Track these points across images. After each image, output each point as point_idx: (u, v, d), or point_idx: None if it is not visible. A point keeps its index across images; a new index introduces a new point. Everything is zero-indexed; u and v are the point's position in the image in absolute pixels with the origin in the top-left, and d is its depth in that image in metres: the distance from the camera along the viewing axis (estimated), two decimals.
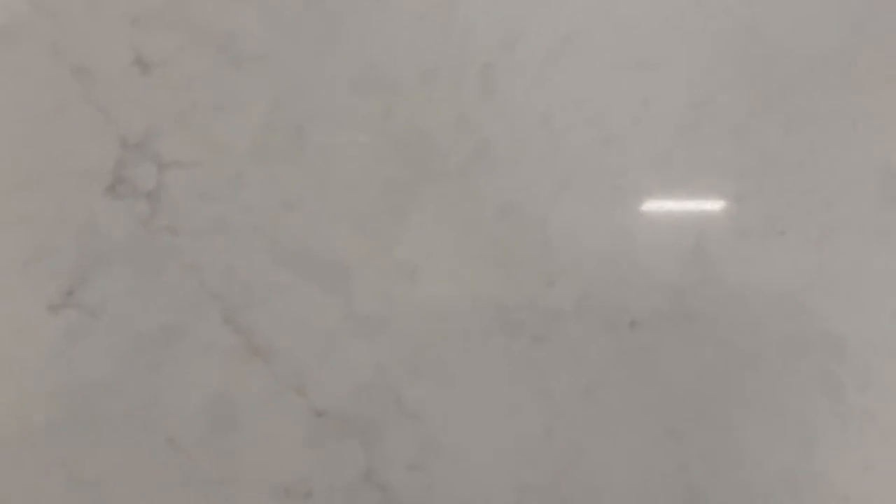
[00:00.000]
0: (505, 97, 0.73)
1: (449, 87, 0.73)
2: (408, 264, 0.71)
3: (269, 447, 0.70)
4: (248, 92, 0.72)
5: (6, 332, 0.69)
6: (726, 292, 0.72)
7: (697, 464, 0.70)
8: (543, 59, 0.74)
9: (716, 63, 0.75)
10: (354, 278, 0.71)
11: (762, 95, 0.74)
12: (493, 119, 0.73)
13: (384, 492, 0.70)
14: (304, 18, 0.74)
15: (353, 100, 0.73)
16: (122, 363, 0.70)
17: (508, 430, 0.70)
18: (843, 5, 0.76)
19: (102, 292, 0.69)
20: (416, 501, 0.70)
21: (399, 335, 0.71)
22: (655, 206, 0.72)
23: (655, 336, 0.71)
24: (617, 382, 0.71)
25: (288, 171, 0.72)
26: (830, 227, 0.73)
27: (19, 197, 0.70)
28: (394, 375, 0.70)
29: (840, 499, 0.70)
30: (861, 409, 0.70)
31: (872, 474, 0.70)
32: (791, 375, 0.71)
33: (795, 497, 0.70)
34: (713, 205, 0.72)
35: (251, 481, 0.70)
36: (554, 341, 0.71)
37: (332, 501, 0.70)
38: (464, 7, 0.74)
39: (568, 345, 0.71)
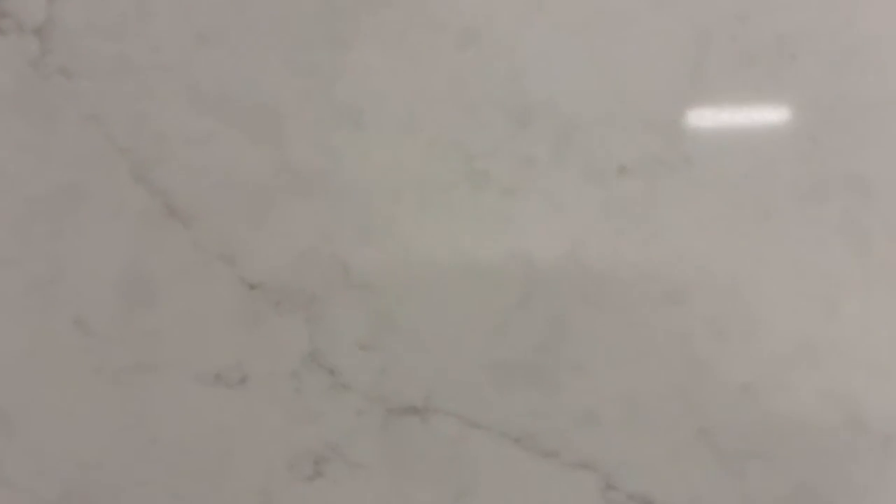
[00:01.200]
0: None
1: None
2: (351, 107, 0.60)
3: (193, 327, 0.60)
4: None
5: None
6: (730, 131, 0.61)
7: (702, 331, 0.60)
8: None
9: None
10: (288, 125, 0.60)
11: None
12: None
13: (332, 375, 0.60)
14: None
15: None
16: (17, 233, 0.59)
17: (477, 299, 0.60)
18: None
19: None
20: (370, 386, 0.60)
21: (343, 192, 0.60)
22: (645, 27, 0.60)
23: (648, 184, 0.60)
24: (603, 240, 0.60)
25: None
26: (849, 48, 0.61)
27: None
28: (339, 240, 0.60)
29: (868, 367, 0.60)
30: (891, 260, 0.60)
31: None
32: (808, 225, 0.60)
33: (815, 366, 0.60)
34: (713, 24, 0.61)
35: (174, 367, 0.60)
36: (528, 193, 0.60)
37: (272, 388, 0.60)
38: None
39: (544, 197, 0.60)
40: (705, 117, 0.61)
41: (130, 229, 0.59)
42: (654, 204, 0.60)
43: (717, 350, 0.60)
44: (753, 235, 0.60)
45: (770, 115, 0.61)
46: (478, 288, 0.60)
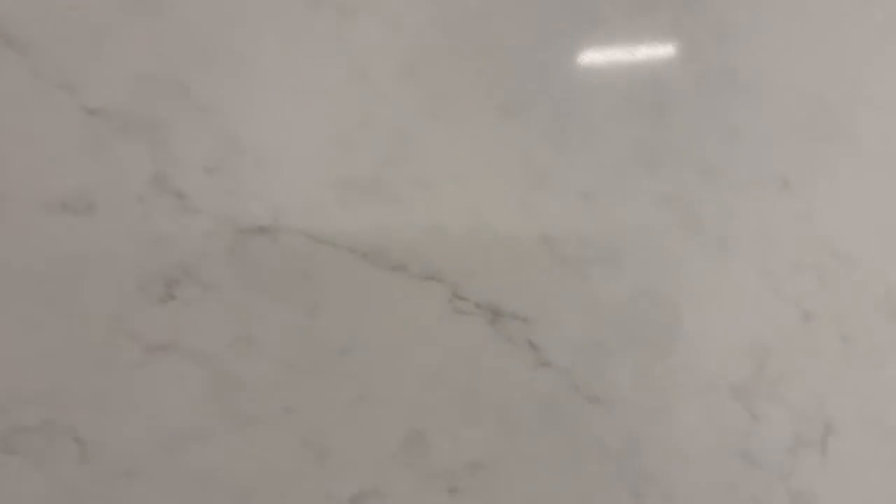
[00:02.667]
0: None
1: None
2: None
3: (36, 156, 0.60)
4: None
5: None
6: None
7: (541, 145, 0.61)
8: None
9: None
10: None
11: None
12: None
13: (179, 199, 0.60)
14: None
15: None
16: None
17: (318, 119, 0.61)
18: None
19: None
20: (217, 207, 0.60)
21: (183, 13, 0.60)
22: None
23: None
24: (440, 55, 0.61)
25: None
26: None
27: None
28: (179, 64, 0.60)
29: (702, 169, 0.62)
30: (719, 66, 0.62)
31: (737, 140, 0.62)
32: (639, 33, 0.62)
33: (652, 172, 0.62)
34: None
35: (19, 197, 0.59)
36: (365, 13, 0.60)
37: (120, 213, 0.60)
38: None
39: (381, 15, 0.60)
40: None
41: None
42: (489, 17, 0.61)
43: (556, 160, 0.62)
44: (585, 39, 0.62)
45: None
46: (320, 106, 0.61)
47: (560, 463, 0.62)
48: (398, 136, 0.61)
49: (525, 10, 0.62)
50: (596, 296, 0.62)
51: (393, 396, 0.61)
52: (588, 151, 0.62)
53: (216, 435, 0.59)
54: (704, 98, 0.62)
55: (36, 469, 0.56)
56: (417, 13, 0.61)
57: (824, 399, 0.64)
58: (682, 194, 0.62)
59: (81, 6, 0.60)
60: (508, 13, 0.62)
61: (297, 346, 0.61)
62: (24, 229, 0.60)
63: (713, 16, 0.62)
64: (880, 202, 0.64)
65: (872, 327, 0.65)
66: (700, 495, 0.63)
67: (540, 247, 0.62)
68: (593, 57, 0.62)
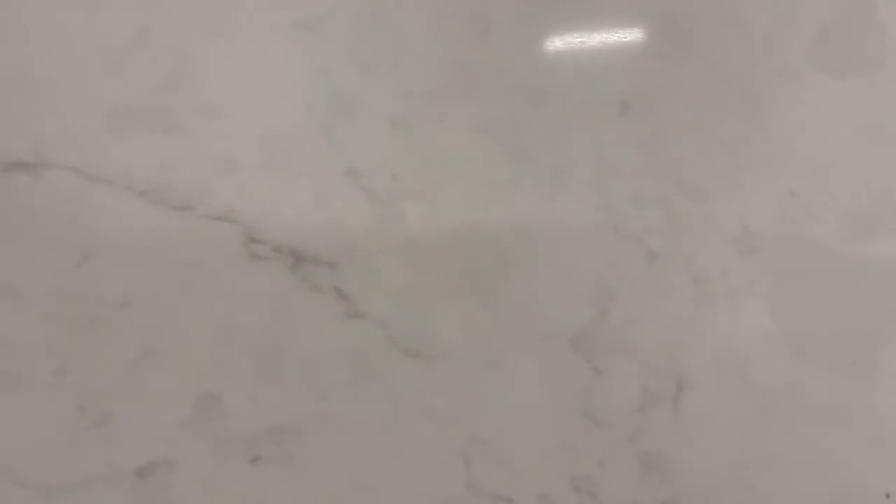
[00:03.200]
0: None
1: None
2: None
3: None
4: None
5: None
6: None
7: (345, 67, 0.54)
8: None
9: None
10: None
11: None
12: None
13: None
14: None
15: None
16: None
17: (85, 35, 0.53)
18: None
19: None
20: None
21: None
22: None
23: None
24: None
25: None
26: None
27: None
28: None
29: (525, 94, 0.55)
30: None
31: (569, 60, 0.55)
32: None
33: (474, 96, 0.55)
34: None
35: None
36: None
37: None
38: None
39: None
40: None
41: None
42: None
43: (362, 83, 0.55)
44: None
45: None
46: (87, 21, 0.53)
47: (377, 426, 0.55)
48: (179, 55, 0.53)
49: None
50: (412, 236, 0.55)
51: (182, 354, 0.54)
52: (399, 74, 0.55)
53: None
54: (532, 14, 0.55)
55: None
56: None
57: (676, 349, 0.58)
58: (507, 121, 0.55)
59: None
60: None
61: (68, 299, 0.53)
62: None
63: None
64: (733, 128, 0.58)
65: (727, 267, 0.58)
66: (538, 460, 0.56)
67: (346, 181, 0.55)
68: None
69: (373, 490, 0.54)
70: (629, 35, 0.57)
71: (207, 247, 0.54)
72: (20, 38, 0.53)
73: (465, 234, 0.55)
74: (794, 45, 0.58)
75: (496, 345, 0.56)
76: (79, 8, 0.53)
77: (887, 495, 0.58)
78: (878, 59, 0.59)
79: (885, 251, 0.59)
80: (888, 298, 0.59)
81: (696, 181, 0.57)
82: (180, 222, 0.54)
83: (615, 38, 0.56)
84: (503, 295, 0.56)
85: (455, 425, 0.56)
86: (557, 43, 0.56)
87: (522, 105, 0.56)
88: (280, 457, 0.54)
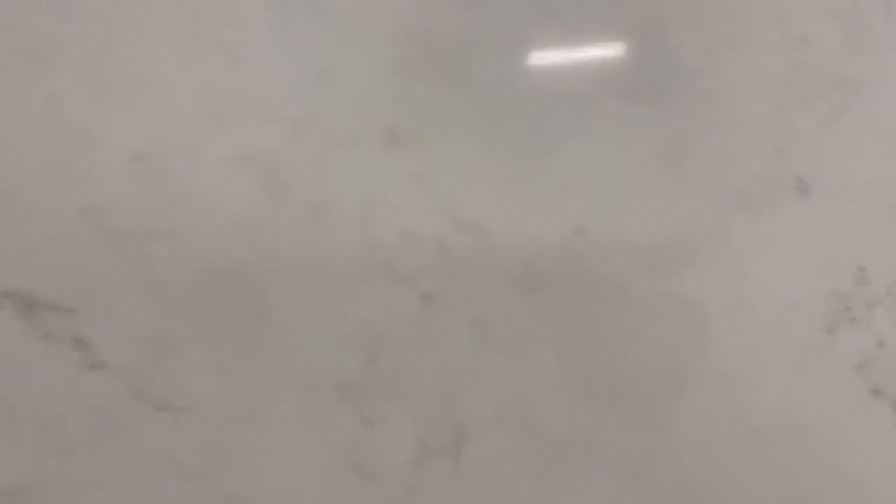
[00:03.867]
0: None
1: None
2: None
3: None
4: None
5: None
6: None
7: (79, 96, 0.49)
8: None
9: None
10: None
11: None
12: None
13: None
14: None
15: None
16: None
17: None
18: None
19: None
20: None
21: None
22: None
23: None
24: None
25: None
26: None
27: None
28: None
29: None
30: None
31: (329, 85, 0.51)
32: None
33: (221, 126, 0.51)
34: None
35: None
36: None
37: None
38: None
39: None
40: None
41: None
42: None
43: (96, 114, 0.50)
44: None
45: None
46: None
47: (124, 484, 0.50)
48: None
49: None
50: (158, 278, 0.51)
51: None
52: (139, 102, 0.50)
53: None
54: (285, 37, 0.51)
55: None
56: None
57: (454, 397, 0.54)
58: (263, 152, 0.51)
59: None
60: None
61: None
62: None
63: None
64: (514, 159, 0.54)
65: (509, 309, 0.54)
66: None
67: (83, 221, 0.50)
68: None
69: None
70: (394, 57, 0.53)
71: None
72: None
73: (217, 275, 0.51)
74: (579, 71, 0.54)
75: (254, 395, 0.52)
76: None
77: None
78: (668, 86, 0.55)
79: (680, 289, 0.55)
80: (685, 340, 0.55)
81: (473, 217, 0.53)
82: None
83: (375, 59, 0.52)
84: (261, 341, 0.52)
85: (209, 482, 0.51)
86: (315, 67, 0.52)
87: (279, 135, 0.51)
88: None
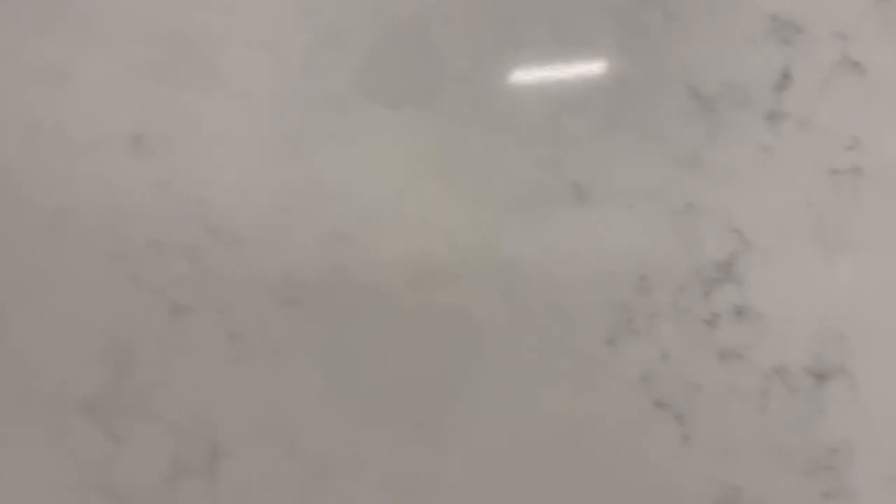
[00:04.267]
0: None
1: None
2: None
3: None
4: None
5: None
6: None
7: None
8: None
9: None
10: None
11: None
12: None
13: None
14: None
15: None
16: None
17: None
18: None
19: None
20: None
21: None
22: None
23: None
24: None
25: None
26: None
27: None
28: None
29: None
30: None
31: (69, 89, 0.49)
32: None
33: None
34: None
35: None
36: None
37: None
38: None
39: None
40: None
41: None
42: None
43: None
44: None
45: None
46: None
47: None
48: None
49: None
50: None
51: None
52: None
53: None
54: (22, 41, 0.49)
55: None
56: None
57: (210, 412, 0.51)
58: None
59: None
60: None
61: None
62: None
63: None
64: (271, 164, 0.52)
65: (266, 320, 0.52)
66: None
67: None
68: None
69: None
70: (136, 59, 0.50)
71: None
72: None
73: None
74: (339, 72, 0.53)
75: None
76: None
77: None
78: (435, 89, 0.54)
79: (451, 299, 0.53)
80: (457, 353, 0.53)
81: (227, 225, 0.51)
82: None
83: (119, 63, 0.50)
84: None
85: None
86: (53, 69, 0.49)
87: (13, 143, 0.49)
88: None
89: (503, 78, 0.55)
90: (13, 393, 0.49)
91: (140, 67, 0.51)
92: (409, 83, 0.53)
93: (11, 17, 0.49)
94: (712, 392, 0.53)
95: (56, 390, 0.50)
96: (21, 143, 0.49)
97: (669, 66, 0.56)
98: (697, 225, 0.55)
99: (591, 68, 0.56)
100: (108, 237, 0.50)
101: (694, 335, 0.54)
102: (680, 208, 0.55)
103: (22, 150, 0.49)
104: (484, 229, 0.54)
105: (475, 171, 0.54)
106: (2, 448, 0.49)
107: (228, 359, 0.51)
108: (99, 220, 0.50)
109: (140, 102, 0.50)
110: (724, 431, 0.53)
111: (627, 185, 0.55)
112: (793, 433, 0.52)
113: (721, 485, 0.52)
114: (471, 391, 0.53)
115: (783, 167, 0.55)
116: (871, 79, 0.55)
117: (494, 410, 0.53)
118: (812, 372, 0.53)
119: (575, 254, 0.55)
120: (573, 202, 0.55)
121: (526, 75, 0.55)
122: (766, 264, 0.54)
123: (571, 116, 0.55)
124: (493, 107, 0.54)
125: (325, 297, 0.52)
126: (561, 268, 0.55)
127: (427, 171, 0.53)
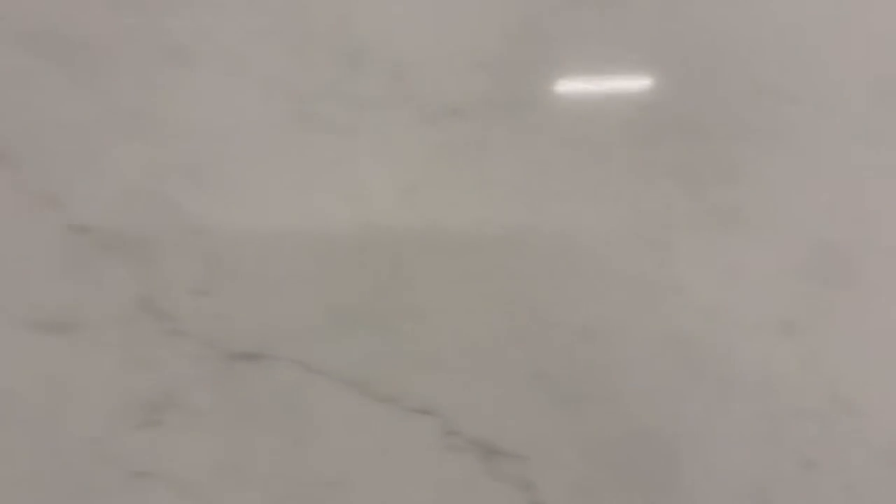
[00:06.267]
0: None
1: None
2: (181, 45, 0.58)
3: (19, 273, 0.57)
4: None
5: None
6: (562, 70, 0.60)
7: (539, 275, 0.59)
8: None
9: None
10: (113, 64, 0.57)
11: None
12: None
13: (166, 321, 0.59)
14: None
15: None
16: None
17: (311, 242, 0.59)
18: None
19: None
20: (205, 331, 0.59)
21: (175, 132, 0.58)
22: None
23: (482, 125, 0.59)
24: (438, 183, 0.59)
25: None
26: None
27: None
28: (169, 183, 0.58)
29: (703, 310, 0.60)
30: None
31: (738, 284, 0.60)
32: (642, 168, 0.60)
33: (652, 308, 0.60)
34: None
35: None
36: (361, 135, 0.58)
37: (104, 334, 0.59)
38: None
39: (378, 139, 0.58)
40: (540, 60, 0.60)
41: None
42: (488, 147, 0.59)
43: (554, 294, 0.60)
44: (588, 178, 0.59)
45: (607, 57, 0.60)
46: (312, 231, 0.59)
47: None
48: (392, 263, 0.59)
49: None
50: (590, 434, 0.60)
51: None
52: (588, 285, 0.60)
53: None
54: (705, 237, 0.60)
55: None
56: (415, 138, 0.59)
57: None
58: (684, 334, 0.60)
59: (67, 116, 0.58)
60: None
61: (283, 477, 0.59)
62: (4, 348, 0.58)
63: (718, 153, 0.60)
64: (884, 351, 0.62)
65: (876, 477, 0.62)
66: None
67: (533, 382, 0.60)
68: (596, 192, 0.59)
69: None
70: (793, 259, 0.61)
71: (408, 436, 0.59)
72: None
73: (636, 433, 0.60)
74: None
75: None
76: (305, 217, 0.59)
77: None
78: None
79: None
80: None
81: (850, 396, 0.62)
82: (384, 413, 0.59)
83: (779, 262, 0.61)
84: (669, 491, 0.61)
85: None
86: (726, 263, 0.61)
87: (696, 319, 0.60)
88: None
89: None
90: None
91: (794, 264, 0.61)
92: None
93: None
94: None
95: None
96: (700, 319, 0.60)
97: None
98: None
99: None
100: (759, 403, 0.61)
101: None
102: None
103: (700, 328, 0.60)
104: None
105: None
106: None
107: None
108: (753, 389, 0.61)
109: (792, 294, 0.61)
110: None
111: None
112: None
113: None
114: None
115: None
116: None
117: None
118: None
119: None
120: None
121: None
122: None
123: None
124: None
125: None
126: None
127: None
